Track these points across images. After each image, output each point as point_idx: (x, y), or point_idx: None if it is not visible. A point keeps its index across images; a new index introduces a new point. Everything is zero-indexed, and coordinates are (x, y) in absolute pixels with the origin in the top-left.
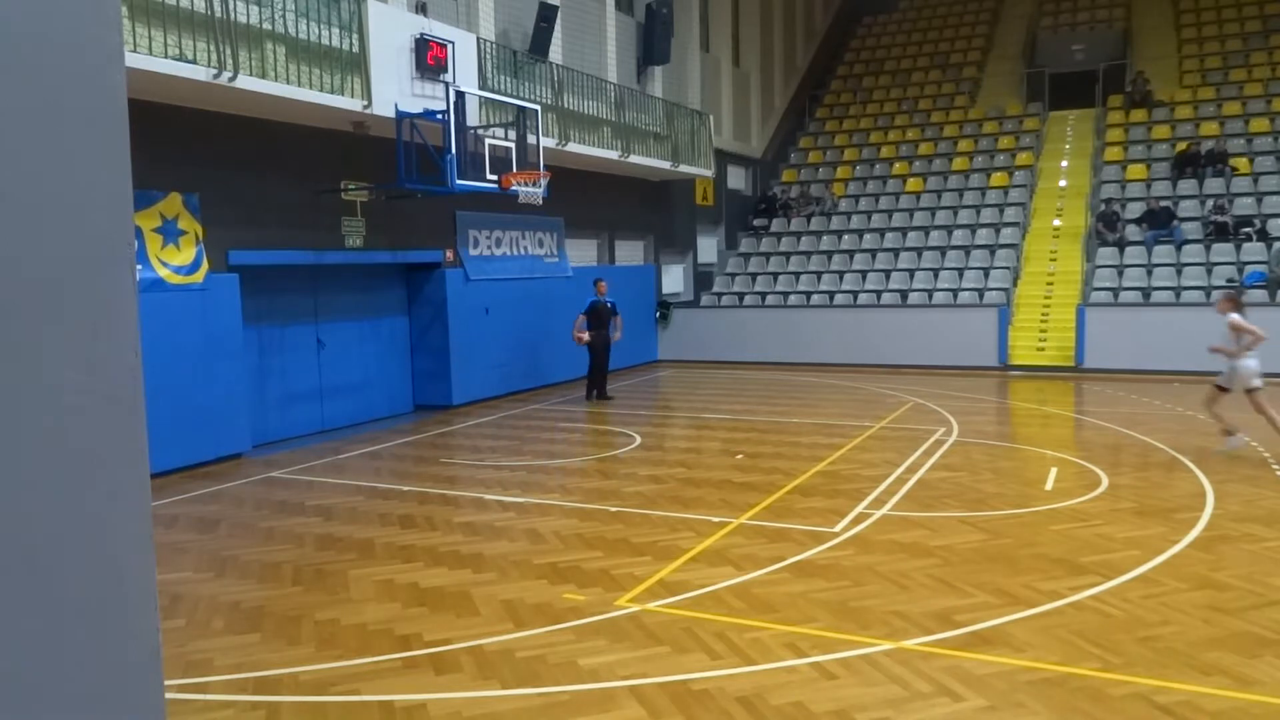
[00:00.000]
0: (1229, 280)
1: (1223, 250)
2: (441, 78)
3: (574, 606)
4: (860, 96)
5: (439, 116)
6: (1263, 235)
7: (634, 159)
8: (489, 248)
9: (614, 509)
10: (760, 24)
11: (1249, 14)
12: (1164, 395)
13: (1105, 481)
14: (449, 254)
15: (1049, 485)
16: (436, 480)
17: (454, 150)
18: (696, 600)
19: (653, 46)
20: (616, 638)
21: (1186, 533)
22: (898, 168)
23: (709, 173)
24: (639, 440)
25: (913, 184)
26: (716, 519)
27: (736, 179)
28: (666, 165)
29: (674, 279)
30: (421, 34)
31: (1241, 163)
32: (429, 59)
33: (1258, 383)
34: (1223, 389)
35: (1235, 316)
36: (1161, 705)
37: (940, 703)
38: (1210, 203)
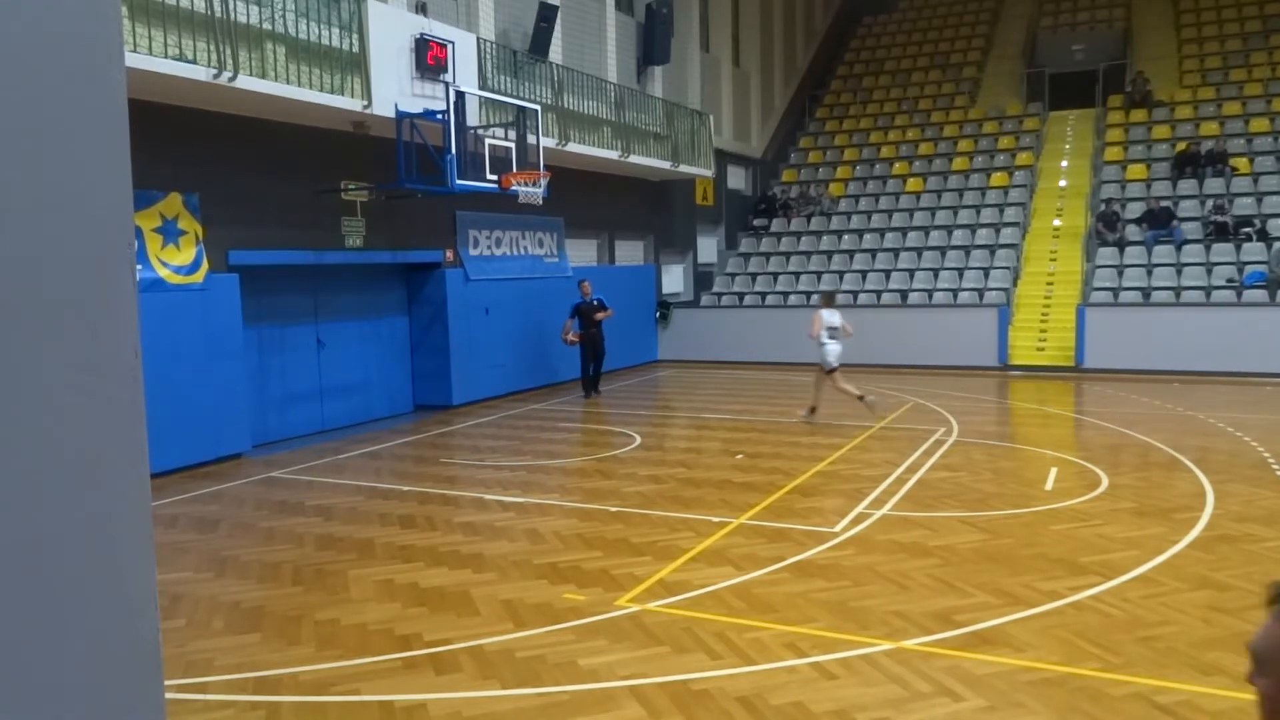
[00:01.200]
0: (1229, 280)
1: (1223, 250)
2: (441, 78)
3: (574, 606)
4: (860, 96)
5: (439, 116)
6: (1263, 235)
7: (634, 159)
8: (489, 248)
9: (614, 509)
10: (760, 24)
11: (1249, 14)
12: (1164, 395)
13: (1105, 481)
14: (449, 254)
15: (1049, 485)
16: (436, 480)
17: (454, 150)
18: (696, 600)
19: (653, 46)
20: (616, 638)
21: (1186, 533)
22: (898, 168)
23: (709, 173)
24: (639, 440)
25: (913, 184)
26: (716, 519)
27: (736, 179)
28: (666, 165)
29: (674, 279)
30: (421, 34)
31: (1241, 163)
32: (429, 59)
33: (834, 363)
34: (828, 371)
35: (824, 313)
36: (1161, 705)
37: (940, 703)
38: (1210, 203)
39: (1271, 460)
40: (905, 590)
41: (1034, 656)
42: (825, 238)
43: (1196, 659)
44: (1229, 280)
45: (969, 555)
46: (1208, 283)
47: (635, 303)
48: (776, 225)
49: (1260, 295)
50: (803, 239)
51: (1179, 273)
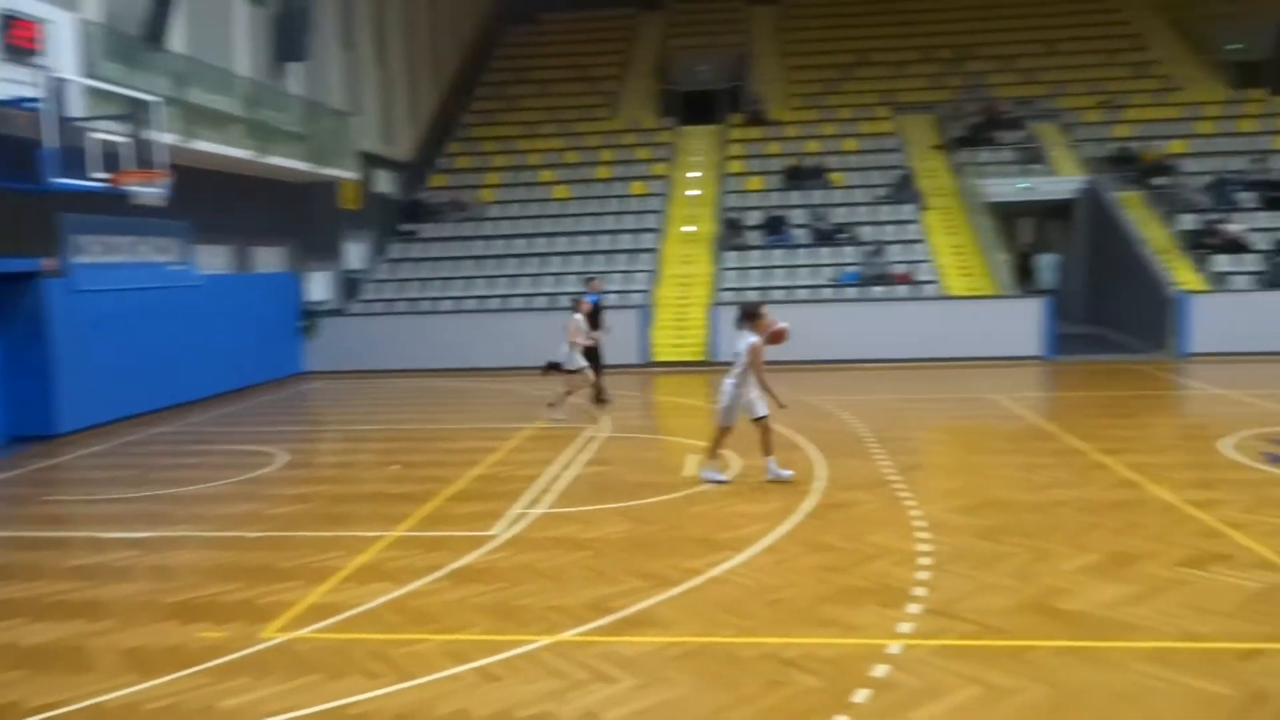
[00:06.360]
0: (830, 279)
1: (825, 253)
2: (35, 61)
3: (212, 645)
4: (507, 104)
5: (32, 105)
6: (856, 240)
7: (270, 159)
8: (101, 254)
9: (256, 534)
10: (405, 25)
11: (842, 48)
12: (785, 383)
13: (736, 464)
14: (49, 262)
15: (688, 472)
16: (38, 521)
17: (52, 144)
18: (351, 621)
19: (289, 41)
20: (262, 672)
21: (803, 503)
22: (544, 175)
23: (354, 175)
24: (283, 459)
25: (560, 191)
26: (370, 534)
27: (384, 183)
28: (306, 167)
29: (319, 286)
30: (5, 9)
31: (837, 176)
32: (17, 38)
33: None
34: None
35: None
36: (787, 659)
37: (596, 688)
38: (813, 211)
39: (867, 435)
40: (562, 584)
41: (679, 632)
42: (477, 243)
43: (813, 614)
44: (831, 279)
45: (620, 544)
46: (816, 281)
47: (275, 313)
48: (428, 230)
49: (856, 292)
50: (455, 244)
51: (792, 273)
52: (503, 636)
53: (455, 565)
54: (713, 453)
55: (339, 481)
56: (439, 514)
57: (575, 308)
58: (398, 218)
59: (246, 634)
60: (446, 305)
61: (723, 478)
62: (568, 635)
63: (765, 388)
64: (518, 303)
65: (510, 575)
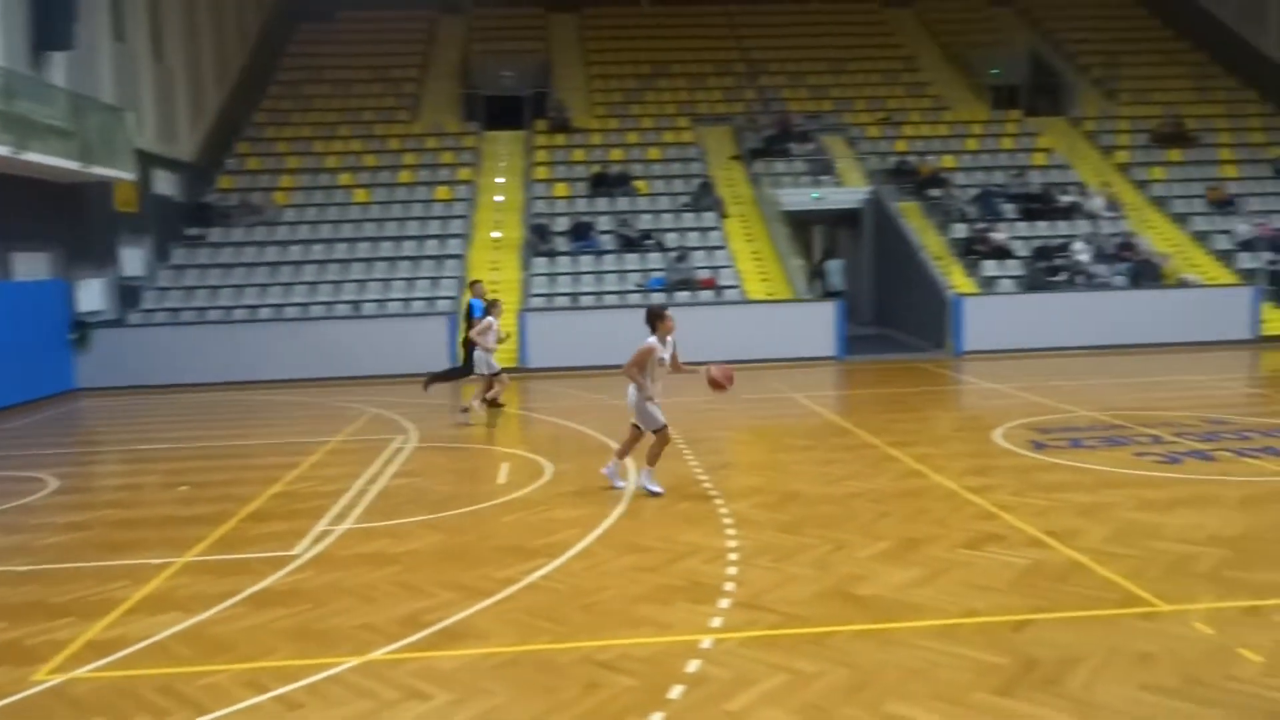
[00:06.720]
0: (638, 285)
1: (632, 259)
2: None
3: None
4: (301, 104)
5: None
6: (661, 246)
7: (31, 156)
8: None
9: (24, 568)
10: (185, 17)
11: (641, 58)
12: (597, 388)
13: (549, 470)
14: None
15: (501, 479)
16: None
17: None
18: (137, 656)
19: (52, 28)
20: None
21: (616, 507)
22: (343, 178)
23: (129, 175)
24: (53, 484)
25: (360, 195)
26: (157, 560)
27: (166, 184)
28: (74, 166)
29: (92, 295)
30: None
31: (642, 185)
32: None
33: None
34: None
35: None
36: (602, 662)
37: (410, 706)
38: (619, 218)
39: (676, 437)
40: (371, 602)
41: (495, 643)
42: (271, 248)
43: (627, 615)
44: (638, 285)
45: (431, 557)
46: (622, 287)
47: (40, 325)
48: (216, 235)
49: (662, 297)
50: (246, 250)
51: (600, 279)
52: (307, 661)
53: (254, 589)
54: (652, 459)
55: (120, 506)
56: (235, 536)
57: (487, 311)
58: (182, 221)
59: (15, 678)
60: (240, 314)
61: (656, 489)
62: (378, 654)
63: (637, 382)
64: (318, 310)
65: (315, 596)
